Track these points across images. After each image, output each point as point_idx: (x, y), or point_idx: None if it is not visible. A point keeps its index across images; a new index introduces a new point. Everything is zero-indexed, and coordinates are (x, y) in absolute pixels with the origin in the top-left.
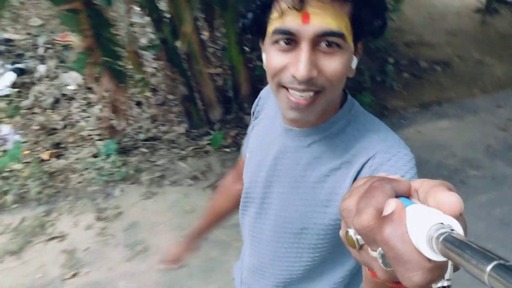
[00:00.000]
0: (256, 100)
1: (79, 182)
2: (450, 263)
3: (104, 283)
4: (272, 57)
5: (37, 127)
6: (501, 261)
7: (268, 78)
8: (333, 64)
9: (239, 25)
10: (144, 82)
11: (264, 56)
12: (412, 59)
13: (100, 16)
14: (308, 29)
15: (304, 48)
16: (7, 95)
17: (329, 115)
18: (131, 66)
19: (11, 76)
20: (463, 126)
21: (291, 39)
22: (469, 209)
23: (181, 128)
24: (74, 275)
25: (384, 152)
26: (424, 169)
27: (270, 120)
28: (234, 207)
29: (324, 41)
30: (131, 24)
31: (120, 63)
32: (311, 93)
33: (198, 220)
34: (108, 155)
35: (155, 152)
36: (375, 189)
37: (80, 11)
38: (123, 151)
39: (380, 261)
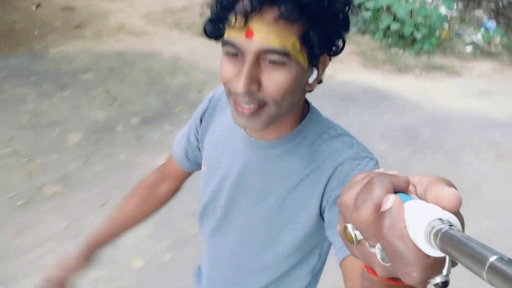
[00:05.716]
0: (206, 101)
1: None
2: (448, 258)
3: None
4: (223, 65)
5: None
6: (500, 257)
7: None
8: (277, 80)
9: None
10: None
11: None
12: None
13: None
14: (251, 45)
15: (247, 62)
16: None
17: (293, 126)
18: None
19: None
20: None
21: (238, 51)
22: None
23: None
24: None
25: (353, 158)
26: None
27: (227, 129)
28: (152, 211)
29: (268, 57)
30: None
31: None
32: (254, 105)
33: (100, 226)
34: None
35: None
36: (373, 184)
37: None
38: None
39: (379, 256)
